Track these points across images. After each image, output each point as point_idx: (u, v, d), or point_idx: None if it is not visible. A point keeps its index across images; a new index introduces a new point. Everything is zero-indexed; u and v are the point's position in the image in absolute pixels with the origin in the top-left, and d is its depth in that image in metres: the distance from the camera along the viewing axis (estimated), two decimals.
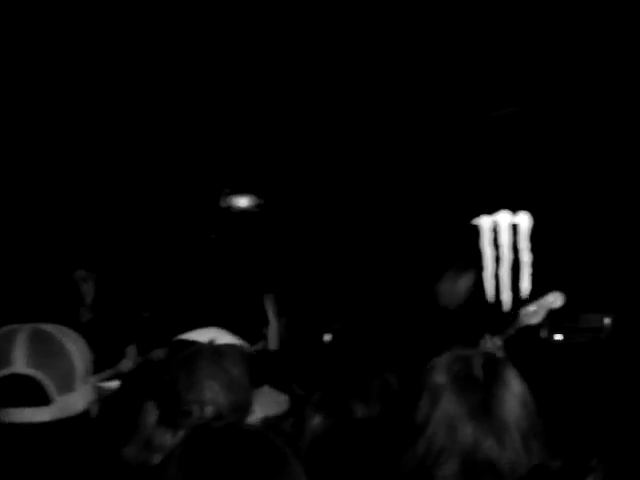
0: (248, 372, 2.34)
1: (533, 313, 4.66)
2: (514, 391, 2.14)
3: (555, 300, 4.75)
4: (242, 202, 6.85)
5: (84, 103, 6.08)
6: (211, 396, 2.20)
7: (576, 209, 6.32)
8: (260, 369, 6.22)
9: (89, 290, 5.50)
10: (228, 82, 5.79)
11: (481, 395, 2.12)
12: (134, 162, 6.68)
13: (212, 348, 2.38)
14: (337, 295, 6.78)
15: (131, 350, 5.38)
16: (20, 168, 6.65)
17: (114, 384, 5.31)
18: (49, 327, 1.90)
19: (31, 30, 4.59)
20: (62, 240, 6.77)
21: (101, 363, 5.10)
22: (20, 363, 1.80)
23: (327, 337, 6.27)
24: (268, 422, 3.13)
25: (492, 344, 4.64)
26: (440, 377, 2.16)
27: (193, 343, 2.51)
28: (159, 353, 5.49)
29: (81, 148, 6.59)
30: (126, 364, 5.21)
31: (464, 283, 5.03)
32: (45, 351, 1.84)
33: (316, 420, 3.13)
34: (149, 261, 7.08)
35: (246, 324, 6.81)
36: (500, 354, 4.62)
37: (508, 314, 5.35)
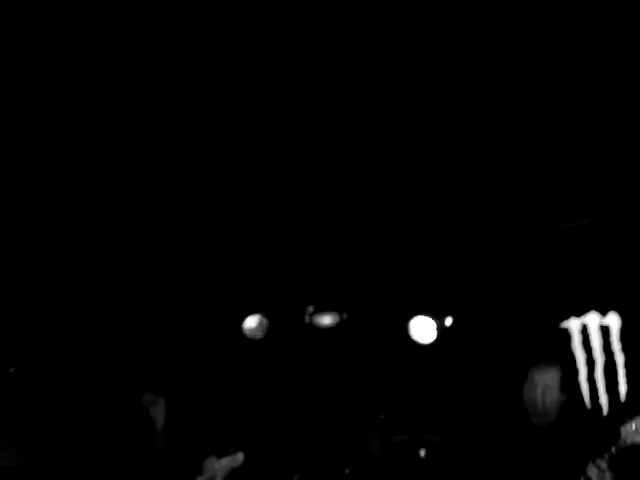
0: None
1: (636, 431, 4.45)
2: None
3: None
4: (326, 320, 6.91)
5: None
6: None
7: None
8: None
9: (159, 414, 5.50)
10: (311, 205, 5.99)
11: None
12: (213, 276, 6.81)
13: None
14: (430, 408, 6.71)
15: (209, 463, 5.29)
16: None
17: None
18: None
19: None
20: (128, 363, 6.81)
21: None
22: None
23: (422, 452, 6.16)
24: None
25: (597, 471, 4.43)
26: None
27: None
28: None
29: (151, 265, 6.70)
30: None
31: (546, 380, 4.80)
32: None
33: None
34: (232, 377, 7.12)
35: (335, 442, 6.78)
36: (608, 476, 4.41)
37: (608, 427, 5.14)
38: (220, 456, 5.44)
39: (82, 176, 5.63)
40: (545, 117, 5.25)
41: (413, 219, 6.32)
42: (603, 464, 4.37)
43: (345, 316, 6.96)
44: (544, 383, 4.74)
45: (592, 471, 4.39)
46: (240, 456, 5.27)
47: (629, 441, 4.36)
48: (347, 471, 6.08)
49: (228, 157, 5.66)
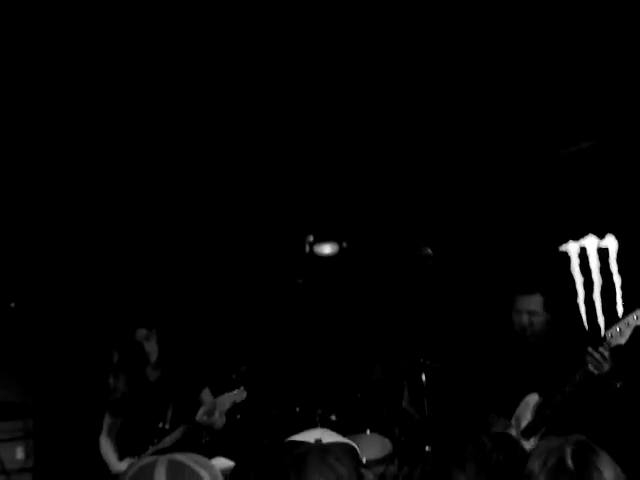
0: (356, 468, 2.41)
1: (619, 333, 4.56)
2: (607, 478, 2.16)
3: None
4: (326, 249, 6.94)
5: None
6: None
7: None
8: (363, 414, 6.20)
9: (153, 348, 5.40)
10: (312, 134, 5.96)
11: None
12: (216, 210, 6.81)
13: (319, 447, 2.46)
14: (427, 334, 6.79)
15: (206, 394, 5.29)
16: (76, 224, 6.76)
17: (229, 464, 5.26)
18: (184, 458, 1.97)
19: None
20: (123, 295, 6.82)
21: (178, 416, 5.12)
22: None
23: (423, 377, 6.25)
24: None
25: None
26: (534, 465, 2.26)
27: (301, 443, 2.59)
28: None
29: (150, 191, 6.69)
30: (207, 411, 5.10)
31: (530, 305, 4.92)
32: None
33: None
34: (232, 307, 7.17)
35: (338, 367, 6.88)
36: (608, 364, 4.46)
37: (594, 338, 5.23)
38: (219, 387, 5.35)
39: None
40: (542, 40, 5.21)
41: (412, 147, 6.32)
42: (605, 352, 4.46)
43: (345, 245, 7.00)
44: (528, 309, 5.06)
45: (590, 357, 4.51)
46: (243, 392, 5.23)
47: (612, 344, 4.48)
48: (333, 417, 6.11)
49: (229, 94, 5.65)
